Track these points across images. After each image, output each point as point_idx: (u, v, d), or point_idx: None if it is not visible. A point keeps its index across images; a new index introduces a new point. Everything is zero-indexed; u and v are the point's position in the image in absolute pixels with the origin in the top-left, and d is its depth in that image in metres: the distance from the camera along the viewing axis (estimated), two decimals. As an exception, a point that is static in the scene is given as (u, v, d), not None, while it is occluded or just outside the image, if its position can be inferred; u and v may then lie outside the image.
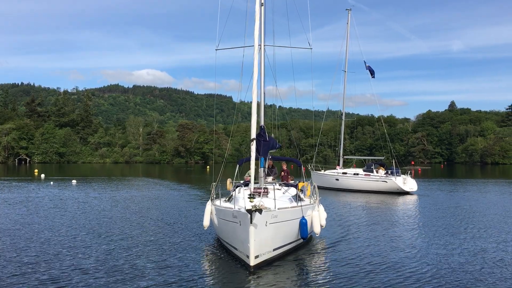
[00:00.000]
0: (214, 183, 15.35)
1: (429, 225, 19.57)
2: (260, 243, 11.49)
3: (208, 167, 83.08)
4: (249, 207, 11.03)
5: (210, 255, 13.44)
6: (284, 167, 18.80)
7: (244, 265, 11.80)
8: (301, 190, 16.96)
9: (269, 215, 11.66)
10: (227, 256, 13.12)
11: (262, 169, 16.08)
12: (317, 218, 15.06)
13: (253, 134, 13.22)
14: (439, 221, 20.72)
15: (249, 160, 15.79)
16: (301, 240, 14.28)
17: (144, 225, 18.73)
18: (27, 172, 69.17)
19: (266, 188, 14.40)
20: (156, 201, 28.46)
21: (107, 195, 32.11)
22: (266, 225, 11.53)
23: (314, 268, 12.27)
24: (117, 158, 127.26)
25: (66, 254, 13.34)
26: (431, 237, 16.61)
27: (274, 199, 12.55)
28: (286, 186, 16.49)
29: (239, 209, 11.86)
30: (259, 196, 13.53)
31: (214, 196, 15.21)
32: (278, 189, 15.45)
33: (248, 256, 11.42)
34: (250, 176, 16.69)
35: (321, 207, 16.74)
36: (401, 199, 31.41)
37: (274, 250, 12.34)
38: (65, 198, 29.56)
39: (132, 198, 29.86)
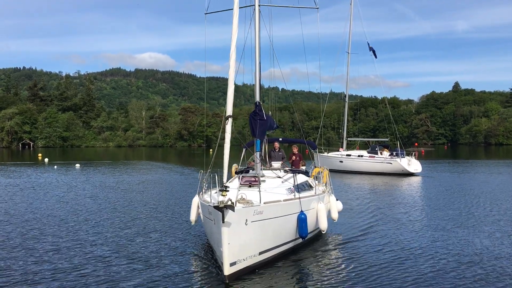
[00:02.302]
0: (202, 171, 12.33)
1: (447, 207, 19.10)
2: (238, 246, 9.48)
3: (211, 150, 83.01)
4: (217, 203, 9.02)
5: (189, 257, 11.39)
6: (295, 150, 16.63)
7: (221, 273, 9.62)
8: (315, 177, 15.23)
9: (250, 211, 9.60)
10: (208, 259, 11.10)
11: (257, 153, 13.91)
12: (323, 211, 12.63)
13: (229, 111, 10.49)
14: (455, 202, 20.35)
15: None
16: (300, 240, 11.86)
17: (137, 213, 18.04)
18: (31, 157, 69.35)
19: (257, 177, 11.93)
20: (158, 185, 28.46)
21: (113, 179, 32.13)
22: (246, 224, 9.54)
23: (311, 274, 10.22)
24: (120, 142, 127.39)
25: (82, 241, 13.30)
26: (455, 220, 16.08)
27: (259, 191, 10.15)
28: (293, 172, 14.16)
29: (214, 204, 9.52)
30: (250, 186, 11.51)
31: (205, 186, 12.20)
32: (278, 177, 13.41)
33: (222, 263, 9.43)
34: (253, 161, 14.97)
35: (333, 198, 14.37)
36: (407, 181, 31.31)
37: (260, 254, 10.24)
38: (70, 183, 29.56)
39: (137, 183, 29.87)
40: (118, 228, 14.74)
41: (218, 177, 10.44)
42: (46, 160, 54.21)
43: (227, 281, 9.31)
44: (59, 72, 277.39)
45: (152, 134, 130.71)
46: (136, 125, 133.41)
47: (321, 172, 15.32)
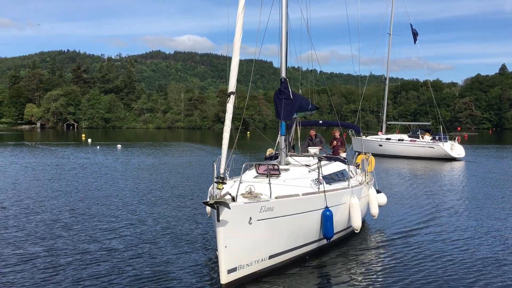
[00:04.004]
0: (220, 156, 8.80)
1: (498, 194, 18.27)
2: (239, 250, 7.95)
3: (248, 132, 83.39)
4: (209, 198, 7.68)
5: (192, 258, 9.77)
6: (337, 134, 14.66)
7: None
8: (357, 165, 13.67)
9: (255, 207, 7.99)
10: (211, 261, 9.60)
11: (282, 137, 11.91)
12: (357, 207, 10.57)
13: (231, 87, 8.83)
14: (507, 189, 19.51)
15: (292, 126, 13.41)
16: (324, 241, 9.98)
17: (184, 193, 18.62)
18: (75, 137, 71.70)
19: (276, 165, 10.09)
20: (200, 167, 28.84)
21: (156, 160, 32.84)
22: (250, 223, 7.97)
23: (335, 281, 8.69)
24: (160, 123, 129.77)
25: (133, 221, 13.69)
26: (511, 209, 15.37)
27: (269, 183, 8.45)
28: (328, 160, 12.48)
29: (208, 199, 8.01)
30: (267, 176, 9.02)
31: (227, 173, 9.89)
32: (307, 165, 11.25)
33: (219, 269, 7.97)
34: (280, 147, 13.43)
35: (372, 190, 12.40)
36: (450, 166, 30.52)
37: (270, 258, 8.64)
38: (114, 163, 30.42)
39: (179, 164, 30.38)
40: (165, 209, 14.93)
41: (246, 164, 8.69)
42: (89, 140, 55.98)
43: None
44: (101, 54, 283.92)
45: (190, 116, 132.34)
46: (175, 107, 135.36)
47: (366, 159, 13.29)
